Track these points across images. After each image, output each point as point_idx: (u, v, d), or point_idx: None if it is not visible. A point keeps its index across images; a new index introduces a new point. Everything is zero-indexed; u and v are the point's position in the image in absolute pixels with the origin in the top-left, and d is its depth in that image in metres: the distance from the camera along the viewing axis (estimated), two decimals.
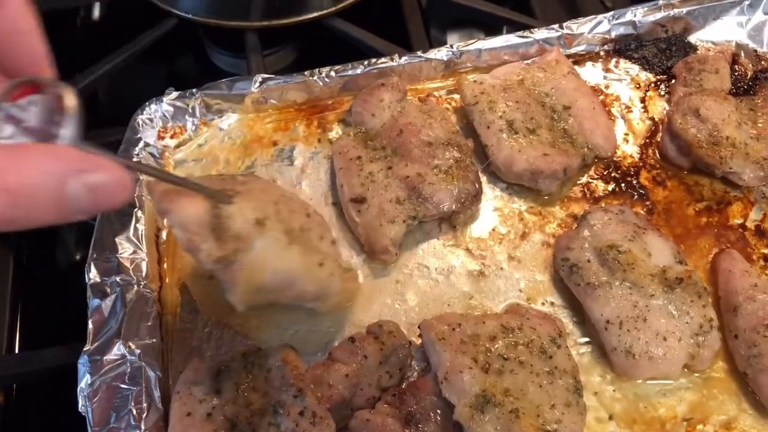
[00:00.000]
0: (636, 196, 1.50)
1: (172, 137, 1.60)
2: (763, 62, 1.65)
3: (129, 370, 1.24)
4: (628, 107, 1.62)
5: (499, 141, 1.51)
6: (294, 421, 1.17)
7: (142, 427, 1.19)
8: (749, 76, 1.64)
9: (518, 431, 1.14)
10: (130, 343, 1.27)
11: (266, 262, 1.14)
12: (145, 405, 1.22)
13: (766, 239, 1.44)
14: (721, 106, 1.51)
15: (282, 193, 1.29)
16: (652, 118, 1.60)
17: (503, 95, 1.56)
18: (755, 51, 1.67)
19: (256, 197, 1.18)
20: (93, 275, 1.34)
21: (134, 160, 1.51)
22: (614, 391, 1.29)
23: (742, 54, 1.68)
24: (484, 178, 1.53)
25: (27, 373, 1.39)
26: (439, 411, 1.21)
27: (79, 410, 1.20)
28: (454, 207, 1.44)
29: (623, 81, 1.66)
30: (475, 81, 1.59)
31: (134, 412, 1.20)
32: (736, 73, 1.65)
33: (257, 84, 1.61)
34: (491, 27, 1.94)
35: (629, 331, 1.27)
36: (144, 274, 1.38)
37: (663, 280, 1.29)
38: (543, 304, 1.38)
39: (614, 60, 1.69)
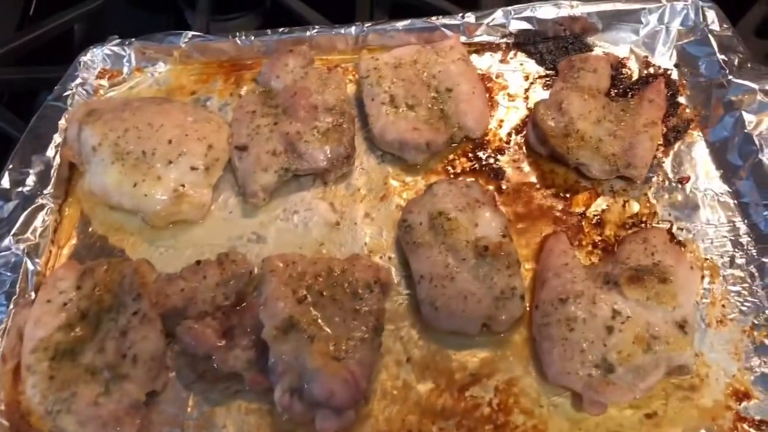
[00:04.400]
0: (492, 175, 1.64)
1: (108, 78, 1.84)
2: (649, 69, 1.75)
3: (13, 260, 1.49)
4: (512, 96, 1.75)
5: (378, 112, 1.67)
6: (128, 318, 1.39)
7: (10, 306, 1.43)
8: (634, 79, 1.74)
9: (308, 353, 1.32)
10: (19, 240, 1.52)
11: (93, 175, 1.57)
12: (18, 289, 1.47)
13: (601, 229, 1.55)
14: (584, 102, 1.62)
15: (151, 121, 1.62)
16: (530, 109, 1.72)
17: (393, 72, 1.72)
18: (645, 57, 1.77)
19: (110, 124, 1.58)
20: (4, 182, 1.59)
21: (67, 93, 1.76)
22: (418, 339, 1.44)
23: (633, 59, 1.77)
24: (363, 145, 1.70)
25: None
26: (255, 331, 1.40)
27: None
28: (324, 165, 1.62)
29: (516, 72, 1.79)
30: (372, 57, 1.75)
31: (8, 293, 1.45)
32: (622, 76, 1.74)
33: (186, 39, 1.83)
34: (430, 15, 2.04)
35: (436, 287, 1.42)
36: (51, 187, 1.62)
37: (475, 248, 1.44)
38: (381, 257, 1.55)
39: (513, 52, 1.81)
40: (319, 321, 1.38)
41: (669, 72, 1.74)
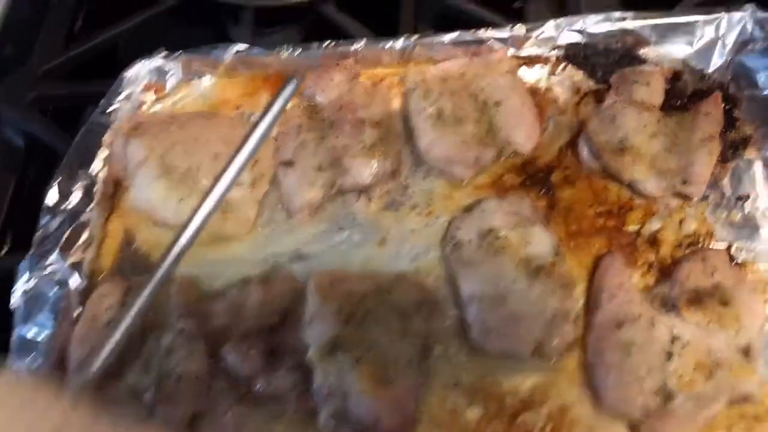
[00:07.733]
0: (542, 191, 1.59)
1: (154, 92, 1.84)
2: (705, 82, 1.69)
3: (58, 276, 1.49)
4: (562, 110, 1.70)
5: (425, 126, 1.64)
6: (173, 336, 1.38)
7: (56, 320, 1.43)
8: (688, 93, 1.68)
9: (356, 376, 1.30)
10: (66, 256, 1.51)
11: (139, 190, 1.57)
12: (62, 305, 1.46)
13: (656, 248, 1.49)
14: (639, 116, 1.56)
15: (197, 135, 1.63)
16: (580, 122, 1.67)
17: (441, 85, 1.68)
18: (701, 70, 1.70)
19: (157, 137, 1.59)
20: (51, 197, 1.59)
21: (112, 108, 1.76)
22: (467, 361, 1.40)
23: (687, 72, 1.71)
24: (409, 160, 1.67)
25: None
26: (301, 352, 1.38)
27: (10, 306, 1.46)
28: (370, 180, 1.60)
29: (565, 85, 1.73)
30: (419, 70, 1.72)
31: (54, 310, 1.45)
32: (676, 90, 1.68)
33: (232, 53, 1.82)
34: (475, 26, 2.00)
35: (487, 308, 1.38)
36: (96, 202, 1.62)
37: (527, 268, 1.40)
38: (428, 276, 1.51)
39: (562, 65, 1.76)
40: (367, 342, 1.35)
41: (725, 85, 1.68)
